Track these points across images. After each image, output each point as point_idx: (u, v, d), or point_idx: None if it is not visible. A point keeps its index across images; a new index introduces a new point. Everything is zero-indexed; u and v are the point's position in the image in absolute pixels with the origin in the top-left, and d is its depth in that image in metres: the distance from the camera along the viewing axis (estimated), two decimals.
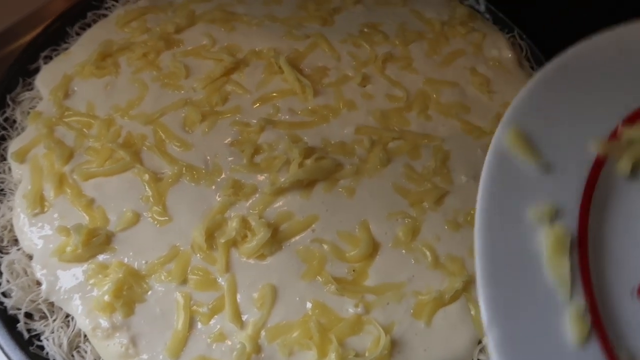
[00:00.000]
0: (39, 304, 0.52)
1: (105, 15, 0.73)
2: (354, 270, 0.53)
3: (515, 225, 0.42)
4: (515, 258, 0.41)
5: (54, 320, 0.51)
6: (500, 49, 0.70)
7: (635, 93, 0.49)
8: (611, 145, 0.47)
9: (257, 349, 0.49)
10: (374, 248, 0.54)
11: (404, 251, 0.54)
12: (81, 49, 0.68)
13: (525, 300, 0.40)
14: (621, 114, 0.48)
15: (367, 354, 0.48)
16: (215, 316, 0.51)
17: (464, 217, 0.56)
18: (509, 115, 0.45)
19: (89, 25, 0.72)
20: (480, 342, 0.50)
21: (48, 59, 0.68)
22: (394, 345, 0.49)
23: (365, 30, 0.71)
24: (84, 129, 0.62)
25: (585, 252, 0.43)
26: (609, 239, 0.45)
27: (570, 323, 0.40)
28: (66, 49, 0.70)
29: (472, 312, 0.51)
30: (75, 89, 0.65)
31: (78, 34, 0.71)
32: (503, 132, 0.45)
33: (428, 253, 0.54)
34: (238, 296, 0.52)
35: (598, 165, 0.46)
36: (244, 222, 0.54)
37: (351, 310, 0.51)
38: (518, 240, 0.42)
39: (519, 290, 0.40)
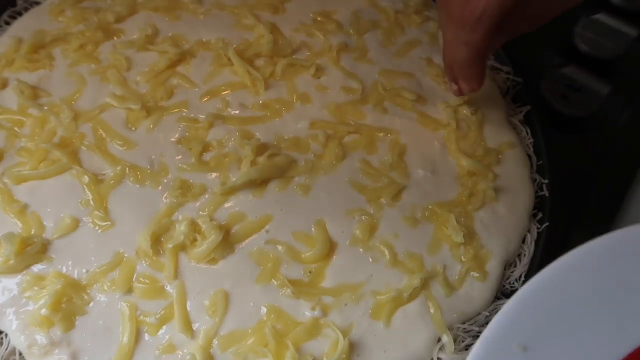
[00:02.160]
0: None
1: (37, 3, 0.67)
2: (310, 272, 0.51)
3: None
4: None
5: None
6: None
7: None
8: None
9: (209, 359, 0.46)
10: (330, 247, 0.52)
11: (361, 250, 0.52)
12: (11, 40, 0.62)
13: None
14: None
15: (325, 359, 0.47)
16: (164, 326, 0.48)
17: (421, 212, 0.55)
18: None
19: (20, 14, 0.66)
20: (439, 340, 0.49)
21: None
22: (353, 348, 0.48)
23: (319, 18, 0.68)
24: (16, 128, 0.57)
25: None
26: None
27: None
28: None
29: (432, 310, 0.50)
30: None
31: (7, 24, 0.65)
32: None
33: (386, 251, 0.52)
34: (188, 304, 0.49)
35: None
36: (193, 225, 0.51)
37: (308, 313, 0.49)
38: None
39: None
